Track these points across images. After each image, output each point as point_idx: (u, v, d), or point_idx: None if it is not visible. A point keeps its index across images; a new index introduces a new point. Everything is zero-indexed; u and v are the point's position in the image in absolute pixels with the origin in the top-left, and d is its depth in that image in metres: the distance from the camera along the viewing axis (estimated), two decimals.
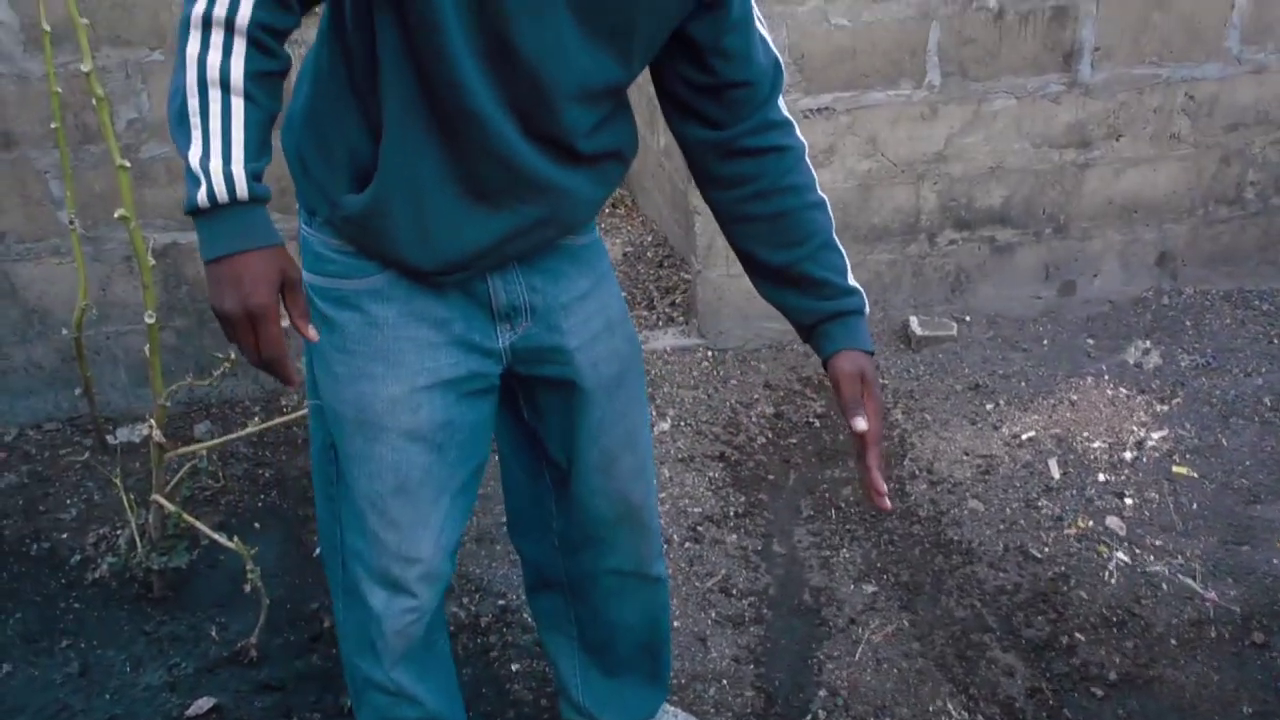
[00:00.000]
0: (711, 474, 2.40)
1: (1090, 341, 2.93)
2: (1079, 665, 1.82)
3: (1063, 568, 2.05)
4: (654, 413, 2.64)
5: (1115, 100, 2.92)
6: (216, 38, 0.96)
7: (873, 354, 1.24)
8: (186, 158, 0.96)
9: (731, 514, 2.26)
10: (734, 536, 2.19)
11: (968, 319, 3.03)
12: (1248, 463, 2.35)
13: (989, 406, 2.62)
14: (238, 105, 0.96)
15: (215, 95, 0.96)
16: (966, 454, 2.44)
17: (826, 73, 2.75)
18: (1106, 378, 2.73)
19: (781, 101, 1.24)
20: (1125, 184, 3.02)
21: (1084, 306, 3.09)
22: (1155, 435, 2.47)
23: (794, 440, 2.53)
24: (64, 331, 2.64)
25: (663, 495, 2.32)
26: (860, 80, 2.77)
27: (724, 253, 2.91)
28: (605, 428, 1.33)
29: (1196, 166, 3.04)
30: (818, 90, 2.76)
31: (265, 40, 0.97)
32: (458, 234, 1.13)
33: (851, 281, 1.26)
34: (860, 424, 1.19)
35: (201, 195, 0.96)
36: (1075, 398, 2.64)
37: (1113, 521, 2.18)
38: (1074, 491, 2.28)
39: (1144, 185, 3.04)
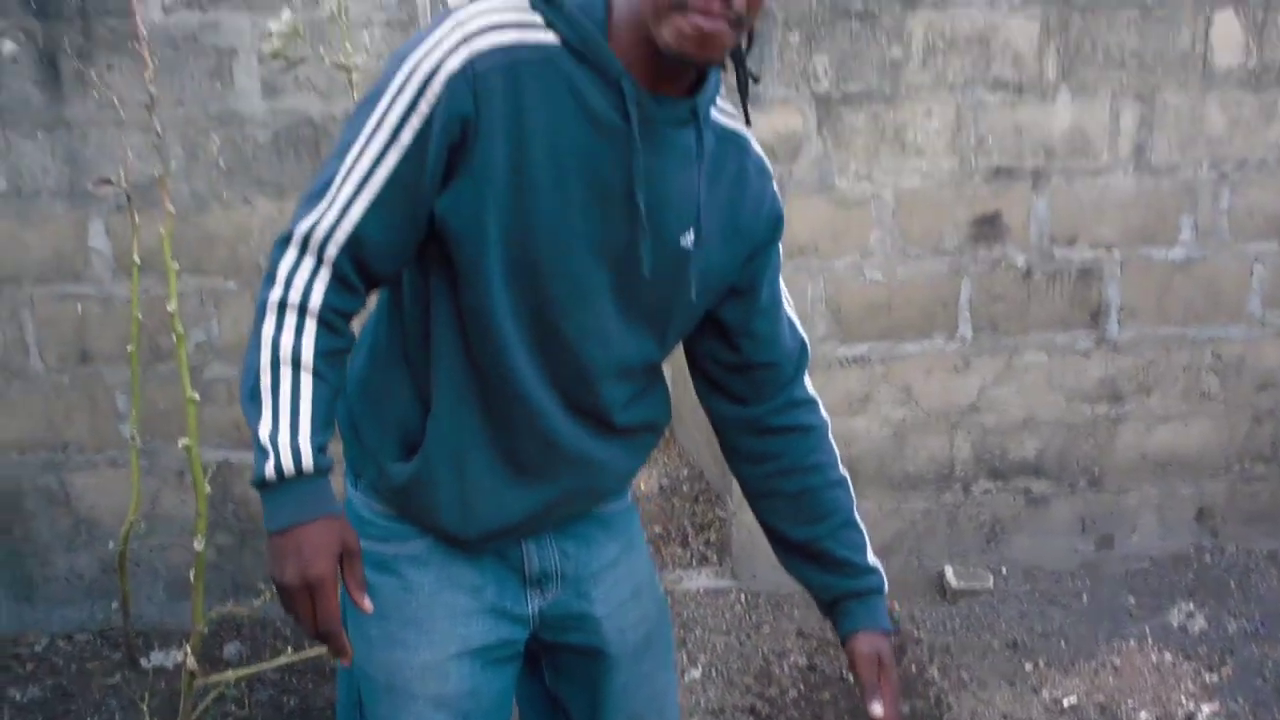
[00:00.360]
0: None
1: (1131, 600, 2.87)
2: None
3: None
4: (685, 659, 2.60)
5: (1144, 357, 2.99)
6: (290, 320, 1.03)
7: (890, 634, 1.26)
8: (256, 432, 1.02)
9: None
10: None
11: (1004, 570, 2.99)
12: None
13: (1028, 666, 2.55)
14: (306, 381, 1.03)
15: (286, 373, 1.03)
16: (1005, 719, 2.35)
17: (862, 324, 2.87)
18: (1150, 640, 2.65)
19: (807, 379, 1.29)
20: (1158, 439, 3.05)
21: (1123, 562, 3.05)
22: (1206, 709, 2.37)
23: (826, 695, 2.46)
24: (110, 544, 2.69)
25: None
26: (894, 331, 2.89)
27: None
28: (630, 692, 1.32)
29: (1229, 424, 3.07)
30: (853, 340, 2.87)
31: (334, 321, 1.06)
32: (498, 505, 1.17)
33: (871, 560, 1.29)
34: (877, 709, 1.20)
35: (269, 469, 1.01)
36: (1118, 661, 2.56)
37: None
38: None
39: (1177, 441, 3.06)
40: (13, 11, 2.47)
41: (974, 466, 3.01)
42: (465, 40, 0.99)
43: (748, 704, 2.42)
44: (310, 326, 1.04)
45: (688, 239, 1.11)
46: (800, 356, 1.28)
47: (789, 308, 1.27)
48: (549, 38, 1.02)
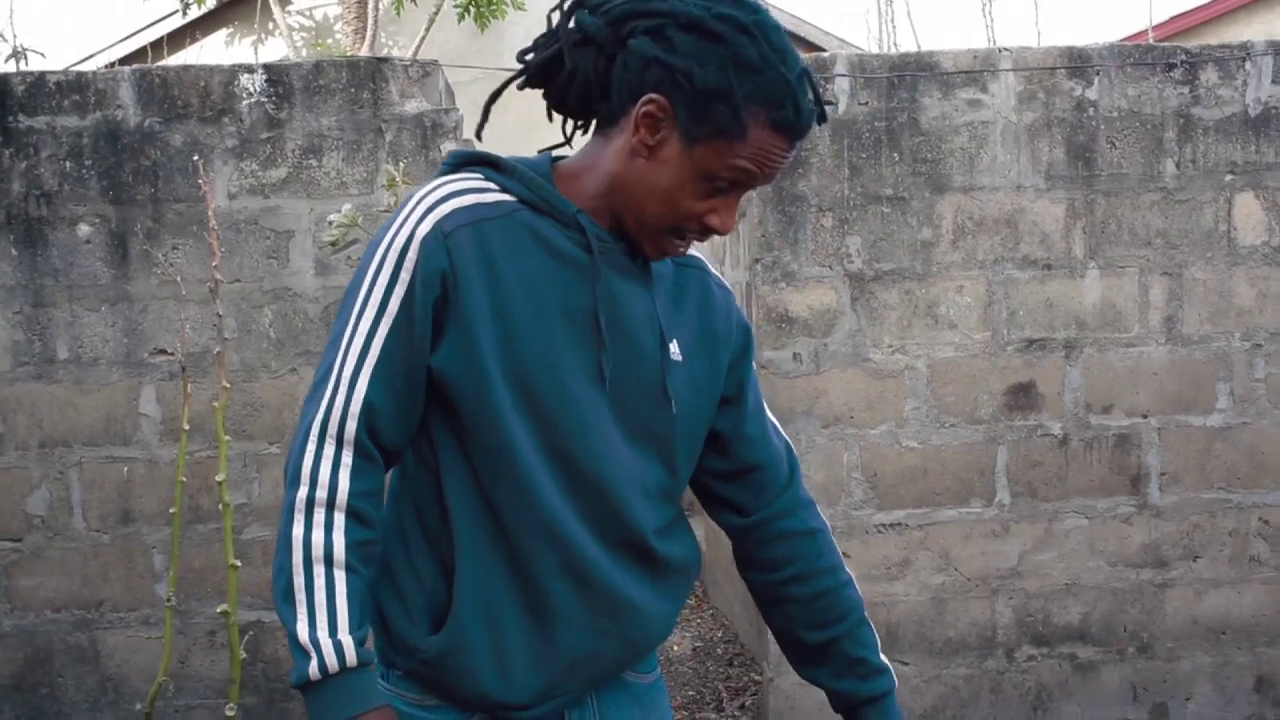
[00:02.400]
0: None
1: None
2: None
3: None
4: None
5: (1188, 522, 2.95)
6: (319, 517, 1.05)
7: None
8: (295, 633, 1.03)
9: None
10: None
11: None
12: None
13: None
14: (340, 578, 1.05)
15: (320, 571, 1.05)
16: None
17: (898, 490, 2.86)
18: None
19: (802, 482, 1.32)
20: (1209, 605, 2.98)
21: None
22: None
23: None
24: (137, 705, 2.67)
25: None
26: (931, 498, 2.87)
27: None
28: None
29: None
30: (890, 506, 2.86)
31: (362, 509, 1.08)
32: (536, 659, 1.15)
33: (883, 659, 1.31)
34: None
35: (313, 668, 1.02)
36: None
37: None
38: None
39: (1229, 606, 2.98)
40: (92, 199, 2.62)
41: (1017, 632, 2.94)
42: (430, 210, 1.09)
43: None
44: (339, 521, 1.06)
45: (674, 352, 1.17)
46: (790, 456, 1.31)
47: (769, 413, 1.32)
48: (505, 197, 1.12)
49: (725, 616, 3.72)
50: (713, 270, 1.26)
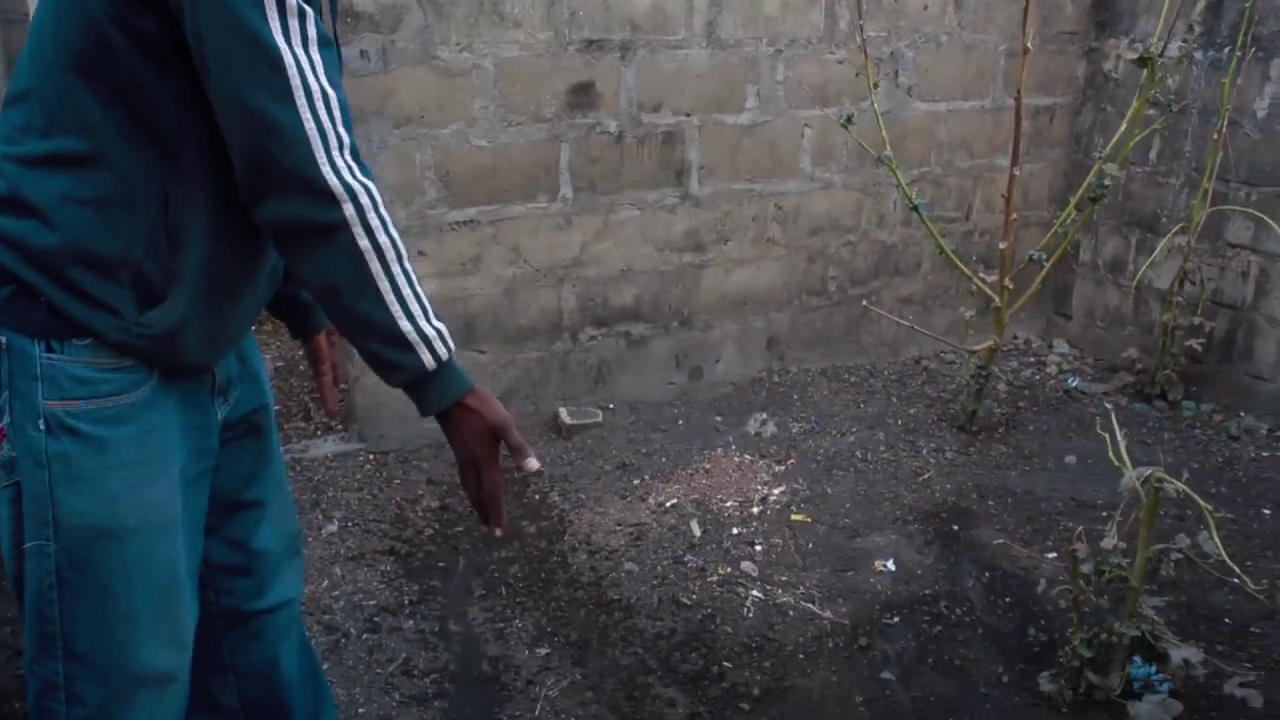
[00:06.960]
0: (383, 568, 2.46)
1: (719, 419, 3.35)
2: (728, 688, 2.09)
3: (709, 610, 2.33)
4: (320, 515, 2.66)
5: (720, 210, 3.42)
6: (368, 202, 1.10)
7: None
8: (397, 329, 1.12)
9: (406, 602, 2.33)
10: (411, 622, 2.26)
11: (612, 407, 3.34)
12: (848, 505, 2.80)
13: (636, 481, 2.91)
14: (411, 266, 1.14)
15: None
16: (619, 525, 2.69)
17: (470, 189, 2.99)
18: (734, 447, 3.13)
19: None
20: (735, 281, 3.52)
21: (711, 388, 3.52)
22: (775, 491, 2.88)
23: (460, 528, 2.66)
24: None
25: (336, 592, 2.34)
26: (501, 195, 3.04)
27: None
28: (276, 459, 1.48)
29: (789, 265, 3.61)
30: (463, 205, 2.99)
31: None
32: (236, 324, 1.27)
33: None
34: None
35: (426, 359, 1.13)
36: (709, 467, 3.01)
37: (747, 566, 2.51)
38: (714, 545, 2.60)
39: (751, 281, 3.55)
40: None
41: (580, 316, 3.29)
42: None
43: (386, 546, 2.55)
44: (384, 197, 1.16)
45: None
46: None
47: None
48: None
49: None
50: None
